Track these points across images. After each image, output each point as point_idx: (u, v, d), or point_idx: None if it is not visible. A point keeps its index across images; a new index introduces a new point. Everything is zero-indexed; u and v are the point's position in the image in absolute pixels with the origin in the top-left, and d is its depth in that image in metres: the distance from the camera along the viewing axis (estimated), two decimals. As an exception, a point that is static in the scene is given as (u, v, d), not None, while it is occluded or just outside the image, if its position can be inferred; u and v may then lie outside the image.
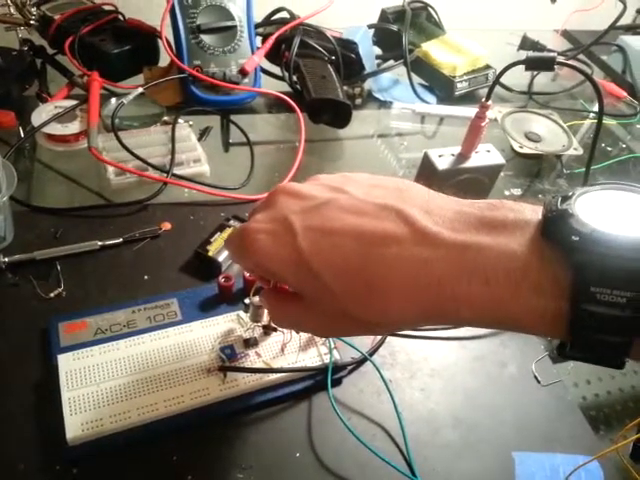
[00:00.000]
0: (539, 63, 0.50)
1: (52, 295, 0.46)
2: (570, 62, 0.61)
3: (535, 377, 0.47)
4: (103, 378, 0.40)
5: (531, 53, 0.50)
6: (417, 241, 0.27)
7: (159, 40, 0.70)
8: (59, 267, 0.48)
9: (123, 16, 0.74)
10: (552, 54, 0.49)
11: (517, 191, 0.68)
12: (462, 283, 0.25)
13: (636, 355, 0.24)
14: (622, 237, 0.23)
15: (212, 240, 0.51)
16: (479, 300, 0.25)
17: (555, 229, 0.25)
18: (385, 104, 0.78)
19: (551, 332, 0.25)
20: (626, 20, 1.07)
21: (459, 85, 0.79)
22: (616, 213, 0.25)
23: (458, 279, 0.26)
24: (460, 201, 0.29)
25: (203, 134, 0.67)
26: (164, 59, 0.72)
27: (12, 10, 0.67)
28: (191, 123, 0.65)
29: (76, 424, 0.37)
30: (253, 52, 0.70)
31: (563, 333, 0.25)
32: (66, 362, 0.40)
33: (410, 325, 0.29)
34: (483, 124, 0.54)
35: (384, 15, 0.86)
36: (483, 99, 0.54)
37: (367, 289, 0.27)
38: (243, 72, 0.68)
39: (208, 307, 0.46)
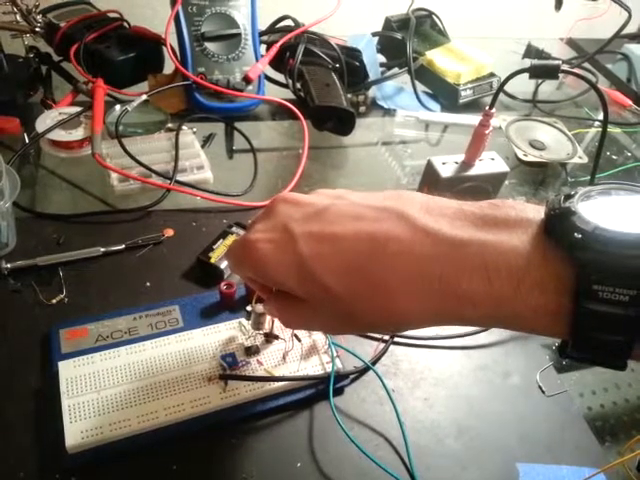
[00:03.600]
0: (543, 71, 0.50)
1: (54, 301, 0.46)
2: (575, 70, 0.61)
3: (540, 387, 0.46)
4: (103, 385, 0.40)
5: (535, 61, 0.50)
6: (418, 240, 0.27)
7: (164, 47, 0.71)
8: (61, 273, 0.48)
9: (128, 24, 0.75)
10: (556, 62, 0.49)
11: (521, 199, 0.67)
12: (464, 280, 0.25)
13: (638, 357, 0.24)
14: (625, 234, 0.23)
15: (214, 247, 0.51)
16: (481, 297, 0.25)
17: (558, 226, 0.25)
18: (389, 112, 0.78)
19: (552, 330, 0.25)
20: (632, 29, 1.07)
21: (463, 93, 0.79)
22: (619, 212, 0.25)
23: (460, 276, 0.25)
24: (460, 202, 0.29)
25: (207, 141, 0.67)
26: (169, 66, 0.72)
27: (18, 17, 0.68)
28: (195, 130, 0.65)
29: (76, 432, 0.37)
30: (257, 60, 0.71)
31: (564, 331, 0.24)
32: (67, 369, 0.40)
33: (415, 325, 0.29)
34: (487, 132, 0.53)
35: (388, 23, 0.86)
36: (487, 107, 0.54)
37: (370, 291, 0.27)
38: (247, 79, 0.68)
39: (210, 314, 0.46)
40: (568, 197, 0.26)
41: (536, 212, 0.27)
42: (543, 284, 0.24)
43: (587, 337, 0.24)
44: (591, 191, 0.26)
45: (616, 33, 0.80)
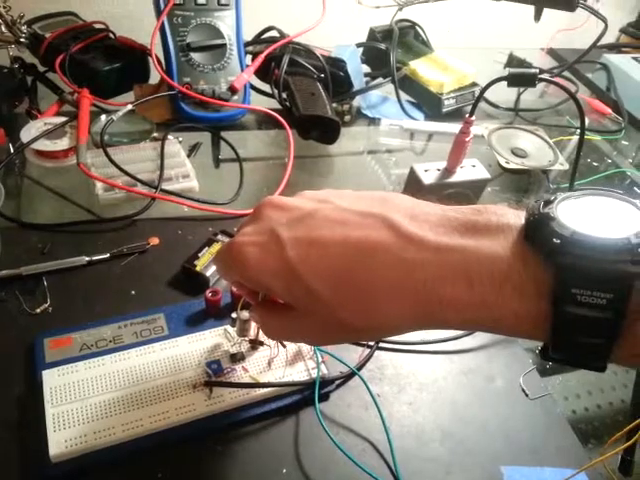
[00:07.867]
0: (521, 79, 0.51)
1: (38, 311, 0.46)
2: (553, 79, 0.62)
3: (523, 390, 0.47)
4: (88, 394, 0.39)
5: (513, 69, 0.51)
6: (402, 246, 0.27)
7: (149, 58, 0.71)
8: (46, 283, 0.48)
9: (114, 34, 0.75)
10: (534, 70, 0.50)
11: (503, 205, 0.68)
12: (446, 285, 0.26)
13: (617, 359, 0.25)
14: (602, 240, 0.24)
15: (200, 255, 0.51)
16: (464, 302, 0.26)
17: (537, 232, 0.25)
18: (374, 121, 0.79)
19: (533, 334, 0.26)
20: (610, 39, 1.09)
21: (446, 102, 0.80)
22: (596, 217, 0.26)
23: (442, 282, 0.26)
24: (444, 207, 0.30)
25: (192, 150, 0.67)
26: (154, 77, 0.73)
27: (3, 28, 0.67)
28: (180, 139, 0.66)
29: (60, 441, 0.37)
30: (243, 70, 0.71)
31: (545, 335, 0.25)
32: (51, 378, 0.40)
33: (400, 330, 0.29)
34: (467, 139, 0.54)
35: (372, 34, 0.87)
36: (467, 115, 0.55)
37: (356, 296, 0.28)
38: (233, 89, 0.69)
39: (195, 322, 0.46)
40: (547, 203, 0.26)
41: (516, 217, 0.27)
42: (523, 288, 0.25)
43: (567, 339, 0.25)
44: (570, 197, 0.27)
45: (593, 43, 0.82)
